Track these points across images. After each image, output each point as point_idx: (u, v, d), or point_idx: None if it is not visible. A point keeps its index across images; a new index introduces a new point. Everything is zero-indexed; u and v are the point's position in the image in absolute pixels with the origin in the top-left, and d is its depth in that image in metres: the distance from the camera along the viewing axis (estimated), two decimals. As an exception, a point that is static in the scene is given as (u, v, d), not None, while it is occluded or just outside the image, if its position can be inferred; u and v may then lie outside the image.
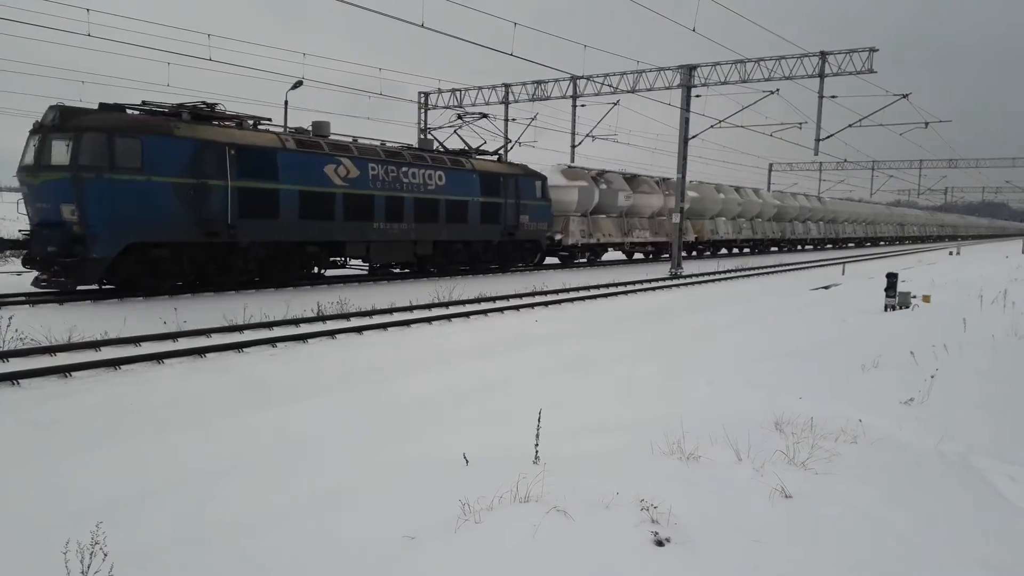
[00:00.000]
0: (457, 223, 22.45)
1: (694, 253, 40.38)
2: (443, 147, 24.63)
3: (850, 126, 27.92)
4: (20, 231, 15.24)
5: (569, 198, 28.97)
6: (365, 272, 22.12)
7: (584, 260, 31.21)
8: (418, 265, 22.37)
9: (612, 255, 35.04)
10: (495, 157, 25.61)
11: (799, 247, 55.52)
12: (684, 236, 34.19)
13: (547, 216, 26.53)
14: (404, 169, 20.43)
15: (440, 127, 25.55)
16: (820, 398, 6.80)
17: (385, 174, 19.76)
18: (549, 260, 30.11)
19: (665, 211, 34.80)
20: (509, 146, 34.03)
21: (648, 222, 34.36)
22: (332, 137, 19.64)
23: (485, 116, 24.88)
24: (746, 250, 46.86)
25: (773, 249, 49.99)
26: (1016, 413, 6.61)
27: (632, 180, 33.74)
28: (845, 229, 62.45)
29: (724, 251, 44.36)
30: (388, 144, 20.96)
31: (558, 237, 28.50)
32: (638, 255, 36.33)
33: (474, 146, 25.84)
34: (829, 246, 60.81)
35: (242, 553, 3.82)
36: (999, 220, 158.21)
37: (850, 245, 66.18)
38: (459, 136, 26.09)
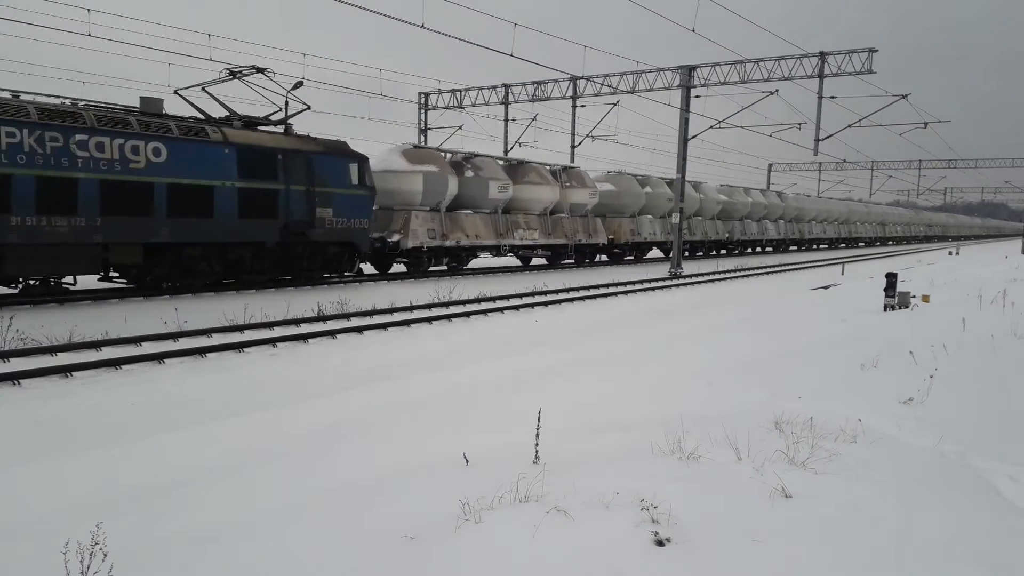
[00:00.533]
0: (192, 217, 15.64)
1: (604, 258, 33.59)
2: (205, 115, 17.69)
3: (849, 126, 28.00)
4: None
5: (411, 187, 22.37)
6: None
7: (444, 268, 24.66)
8: (136, 278, 15.85)
9: (510, 262, 30.08)
10: (281, 129, 18.52)
11: (752, 250, 47.94)
12: (591, 238, 30.05)
13: (367, 210, 19.51)
14: (81, 137, 13.79)
15: (192, 86, 17.74)
16: (820, 398, 6.80)
17: (38, 143, 13.21)
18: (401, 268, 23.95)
19: (564, 207, 28.76)
20: (509, 147, 34.17)
21: (538, 220, 27.34)
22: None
23: (261, 71, 17.83)
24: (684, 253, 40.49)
25: (722, 252, 42.59)
26: (1016, 413, 6.61)
27: (516, 168, 27.06)
28: (812, 229, 55.13)
29: (663, 253, 37.25)
30: (78, 102, 14.66)
31: (395, 238, 21.84)
32: (538, 260, 29.97)
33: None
34: (793, 248, 53.88)
35: (242, 552, 3.82)
36: (994, 220, 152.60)
37: (822, 247, 59.61)
38: (215, 98, 18.09)
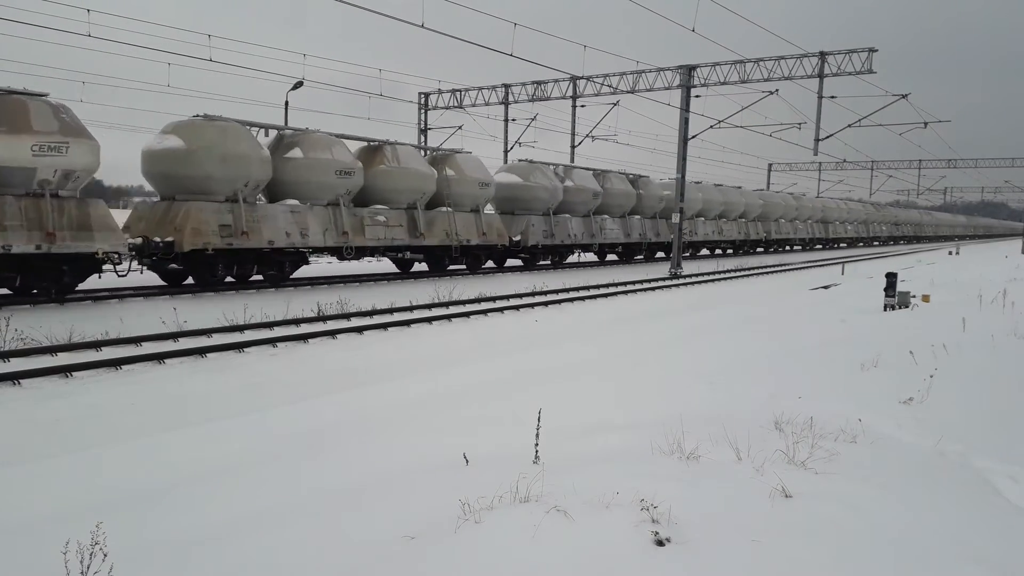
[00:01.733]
0: None
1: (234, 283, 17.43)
2: None
3: (849, 126, 28.00)
4: None
5: None
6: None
7: None
8: None
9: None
10: None
11: (543, 260, 28.38)
12: (64, 243, 12.49)
13: None
14: None
15: None
16: (820, 398, 6.80)
17: None
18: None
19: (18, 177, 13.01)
20: (509, 147, 34.16)
21: (16, 205, 12.90)
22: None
23: None
24: (415, 264, 23.70)
25: (507, 265, 27.68)
26: (1016, 413, 6.61)
27: None
28: (698, 228, 37.66)
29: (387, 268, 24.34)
30: None
31: None
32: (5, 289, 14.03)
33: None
34: (661, 256, 35.58)
35: (242, 552, 3.81)
36: (983, 219, 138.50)
37: (727, 252, 42.86)
38: None
